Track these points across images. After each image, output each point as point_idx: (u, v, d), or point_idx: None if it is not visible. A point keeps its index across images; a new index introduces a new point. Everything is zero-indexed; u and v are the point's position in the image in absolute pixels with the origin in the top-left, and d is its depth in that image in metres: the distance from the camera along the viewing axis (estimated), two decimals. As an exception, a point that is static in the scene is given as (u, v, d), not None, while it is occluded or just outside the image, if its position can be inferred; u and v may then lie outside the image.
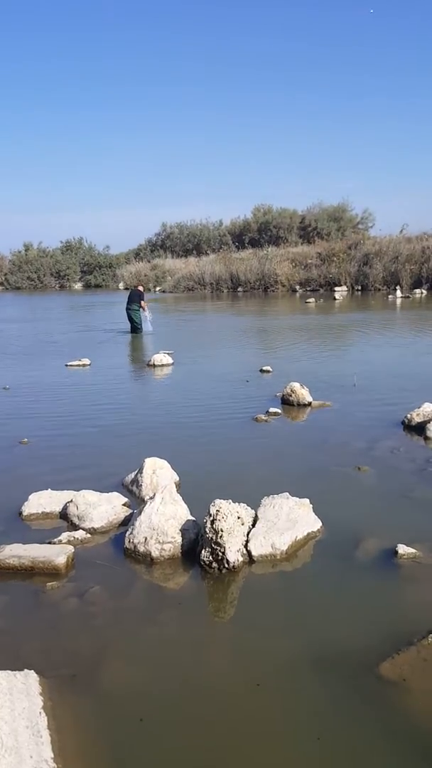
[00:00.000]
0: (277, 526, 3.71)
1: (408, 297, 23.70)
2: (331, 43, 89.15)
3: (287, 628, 2.94)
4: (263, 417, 6.58)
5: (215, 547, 3.46)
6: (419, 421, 5.99)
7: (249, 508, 3.79)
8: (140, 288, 15.44)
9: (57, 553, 3.55)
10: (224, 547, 3.44)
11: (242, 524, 3.63)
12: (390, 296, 24.01)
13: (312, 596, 3.23)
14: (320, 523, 3.90)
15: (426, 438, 5.71)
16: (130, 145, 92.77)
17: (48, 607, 3.18)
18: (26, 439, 5.96)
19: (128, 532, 3.76)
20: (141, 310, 14.62)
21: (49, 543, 3.76)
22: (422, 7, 78.32)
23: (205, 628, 3.03)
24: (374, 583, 3.29)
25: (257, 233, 38.20)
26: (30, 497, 4.32)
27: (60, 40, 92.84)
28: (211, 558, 3.47)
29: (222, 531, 3.45)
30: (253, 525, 3.72)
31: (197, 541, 3.66)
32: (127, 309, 14.69)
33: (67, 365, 10.40)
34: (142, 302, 14.69)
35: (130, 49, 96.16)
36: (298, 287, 28.79)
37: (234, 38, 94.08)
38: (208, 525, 3.48)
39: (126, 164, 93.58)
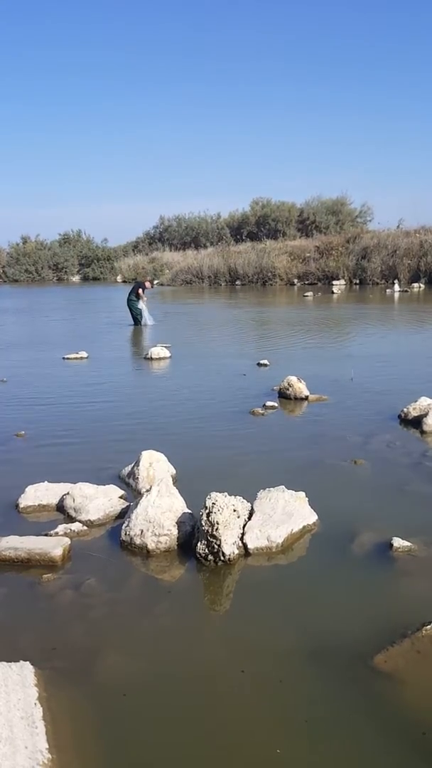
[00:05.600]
0: (272, 519, 3.72)
1: (406, 291, 23.68)
2: (330, 36, 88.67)
3: (282, 620, 2.96)
4: (260, 410, 6.59)
5: (211, 539, 3.47)
6: (416, 415, 6.00)
7: (245, 500, 3.79)
8: (146, 283, 15.25)
9: (53, 545, 3.56)
10: (220, 540, 3.45)
11: (238, 517, 3.64)
12: (388, 290, 23.97)
13: (307, 589, 3.24)
14: (316, 516, 3.91)
15: (422, 432, 5.72)
16: (129, 138, 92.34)
17: (44, 598, 3.19)
18: (23, 432, 5.96)
19: (124, 525, 3.77)
20: (138, 300, 14.59)
21: (46, 535, 3.77)
22: (424, 5, 77.91)
23: (201, 620, 3.05)
24: (369, 576, 3.30)
25: (255, 226, 38.08)
26: (27, 489, 4.33)
27: (58, 32, 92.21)
28: (206, 550, 3.48)
29: (218, 524, 3.46)
30: (249, 518, 3.73)
31: (193, 534, 3.67)
32: (128, 300, 14.72)
33: (64, 358, 10.39)
34: (139, 290, 14.62)
35: (129, 42, 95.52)
36: (296, 281, 28.75)
37: (231, 31, 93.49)
38: (204, 518, 3.49)
39: (124, 157, 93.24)
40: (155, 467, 4.55)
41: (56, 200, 77.84)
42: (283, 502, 3.85)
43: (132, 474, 4.59)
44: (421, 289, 24.57)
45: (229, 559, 3.45)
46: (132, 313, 14.65)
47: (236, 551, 3.51)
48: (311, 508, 3.94)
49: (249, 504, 3.81)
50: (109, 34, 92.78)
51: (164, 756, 2.21)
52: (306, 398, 7.04)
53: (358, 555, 3.52)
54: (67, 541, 3.65)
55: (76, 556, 3.59)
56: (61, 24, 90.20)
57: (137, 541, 3.66)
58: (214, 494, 3.56)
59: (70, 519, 4.04)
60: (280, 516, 3.75)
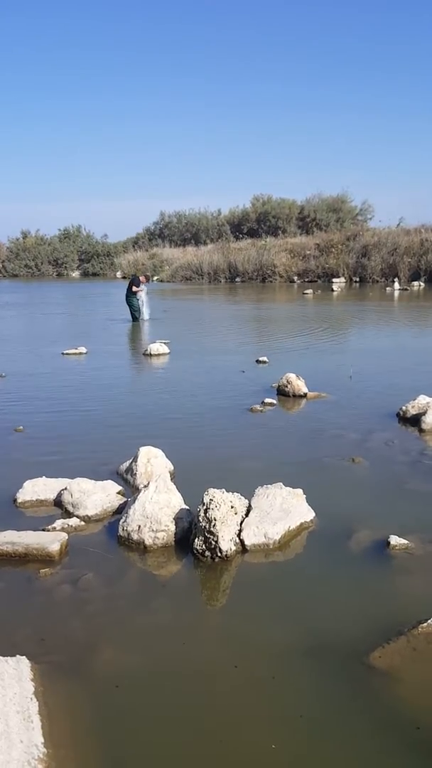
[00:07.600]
0: (270, 515, 3.73)
1: (406, 289, 23.69)
2: (330, 35, 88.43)
3: (278, 617, 2.96)
4: (258, 407, 6.58)
5: (208, 535, 3.47)
6: (414, 413, 6.00)
7: (242, 497, 3.79)
8: (141, 278, 15.26)
9: (51, 540, 3.56)
10: (217, 536, 3.45)
11: (235, 513, 3.64)
12: (388, 288, 23.99)
13: (303, 586, 3.25)
14: (313, 514, 3.91)
15: (420, 430, 5.72)
16: (129, 134, 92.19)
17: (41, 593, 3.19)
18: (21, 427, 5.96)
19: (122, 520, 3.77)
20: (135, 295, 14.57)
21: (43, 530, 3.77)
22: (424, 5, 77.72)
23: (197, 616, 3.05)
24: (366, 574, 3.31)
25: (256, 223, 38.06)
26: (24, 484, 4.32)
27: (59, 27, 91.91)
28: (204, 546, 3.48)
29: (215, 520, 3.46)
30: (247, 514, 3.73)
31: (191, 530, 3.67)
32: (126, 296, 14.73)
33: (63, 353, 10.39)
34: (133, 286, 14.59)
35: (130, 38, 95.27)
36: (296, 278, 28.74)
37: (233, 29, 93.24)
38: (202, 514, 3.49)
39: (125, 153, 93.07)
40: (153, 463, 4.55)
41: (56, 196, 77.78)
42: (280, 499, 3.85)
43: (130, 470, 4.59)
44: (421, 287, 24.58)
45: (226, 555, 3.46)
46: (130, 310, 14.68)
47: (233, 548, 3.52)
48: (309, 505, 3.94)
49: (246, 500, 3.81)
50: (110, 31, 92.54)
51: (159, 750, 2.21)
52: (305, 395, 7.04)
53: (355, 552, 3.53)
54: (64, 536, 3.65)
55: (73, 551, 3.60)
56: (61, 19, 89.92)
57: (135, 536, 3.66)
58: (211, 490, 3.56)
59: (68, 514, 4.04)
60: (278, 513, 3.75)
